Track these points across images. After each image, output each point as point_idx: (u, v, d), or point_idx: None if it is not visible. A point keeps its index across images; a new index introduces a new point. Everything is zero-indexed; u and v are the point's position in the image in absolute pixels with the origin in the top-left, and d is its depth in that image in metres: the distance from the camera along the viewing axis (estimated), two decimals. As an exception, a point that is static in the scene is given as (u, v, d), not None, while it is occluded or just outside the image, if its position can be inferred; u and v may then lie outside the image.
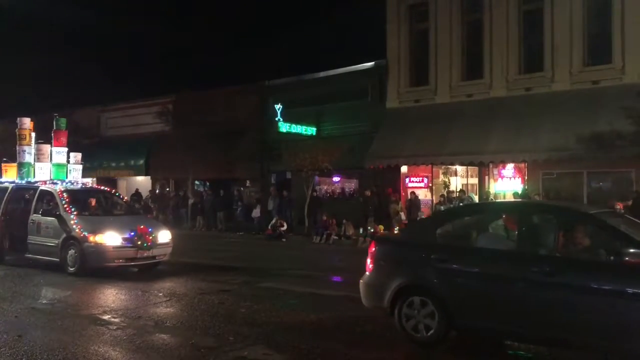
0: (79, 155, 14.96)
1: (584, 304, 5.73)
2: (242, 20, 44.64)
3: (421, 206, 19.64)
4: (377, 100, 22.11)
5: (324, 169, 20.80)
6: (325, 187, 24.29)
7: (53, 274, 11.64)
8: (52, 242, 12.03)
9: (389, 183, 21.00)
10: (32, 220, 12.57)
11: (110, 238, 11.47)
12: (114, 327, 7.48)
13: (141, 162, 28.31)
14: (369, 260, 7.22)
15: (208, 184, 27.23)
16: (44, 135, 14.80)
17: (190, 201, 25.33)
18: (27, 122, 14.49)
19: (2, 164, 14.96)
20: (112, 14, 43.85)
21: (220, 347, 6.63)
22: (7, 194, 13.42)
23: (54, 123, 14.67)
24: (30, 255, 12.52)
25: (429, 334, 6.56)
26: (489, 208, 8.69)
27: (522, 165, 18.96)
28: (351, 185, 23.78)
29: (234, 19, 44.69)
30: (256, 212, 22.64)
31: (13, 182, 13.96)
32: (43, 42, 44.11)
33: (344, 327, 7.64)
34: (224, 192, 24.93)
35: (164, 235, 12.31)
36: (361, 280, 7.29)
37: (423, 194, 20.93)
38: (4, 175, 14.73)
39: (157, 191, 28.39)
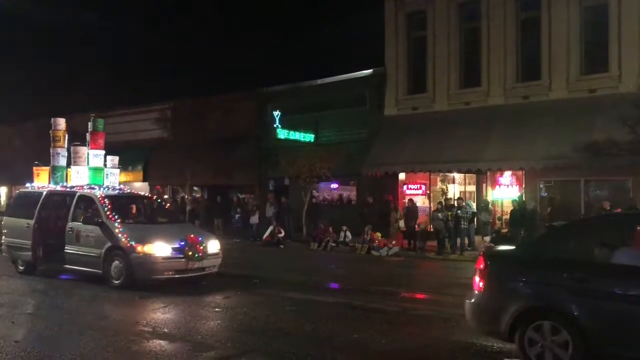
0: (116, 159, 13.95)
1: None
2: (240, 27, 44.78)
3: (419, 214, 19.67)
4: (375, 107, 22.19)
5: (322, 175, 20.83)
6: (323, 194, 24.30)
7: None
8: (93, 252, 11.11)
9: (386, 190, 21.03)
10: (70, 228, 11.64)
11: (160, 248, 10.62)
12: (112, 333, 7.47)
13: (139, 168, 28.32)
14: (477, 278, 6.44)
15: (205, 190, 27.22)
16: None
17: (188, 207, 25.31)
18: (62, 123, 13.46)
19: (34, 168, 13.85)
20: (110, 20, 43.96)
21: (218, 353, 6.64)
22: (40, 199, 12.48)
23: (91, 124, 13.56)
24: (68, 266, 11.65)
25: None
26: (622, 219, 7.49)
27: (520, 172, 19.03)
28: (349, 192, 23.80)
29: (233, 26, 44.83)
30: (254, 219, 22.63)
31: (44, 187, 13.02)
32: (41, 47, 44.20)
33: (341, 334, 7.64)
34: (221, 199, 24.91)
35: (214, 245, 11.49)
36: (468, 301, 6.57)
37: (421, 201, 20.96)
38: (35, 180, 13.64)
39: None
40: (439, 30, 20.75)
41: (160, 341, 7.17)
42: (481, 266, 6.44)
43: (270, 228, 20.87)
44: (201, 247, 10.98)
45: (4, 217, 13.71)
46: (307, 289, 11.31)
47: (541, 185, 18.75)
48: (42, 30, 45.45)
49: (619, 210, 15.22)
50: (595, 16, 18.14)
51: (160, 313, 8.92)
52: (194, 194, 26.97)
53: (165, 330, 7.78)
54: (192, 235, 11.08)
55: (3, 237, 13.12)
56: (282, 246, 20.21)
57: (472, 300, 6.50)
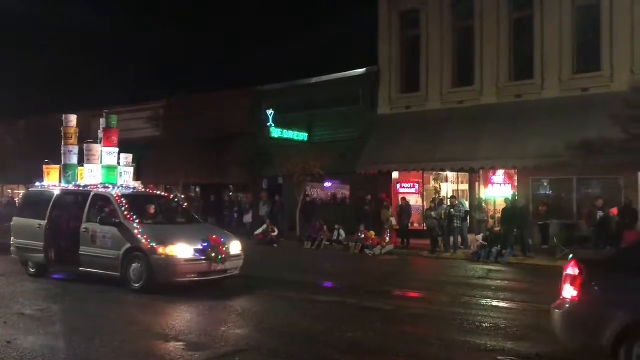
0: (130, 157, 13.40)
1: None
2: (234, 25, 44.72)
3: (412, 212, 19.71)
4: (369, 106, 22.23)
5: (316, 174, 20.85)
6: (317, 193, 24.32)
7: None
8: (111, 254, 10.61)
9: (380, 189, 21.08)
10: (85, 228, 11.10)
11: (182, 250, 10.19)
12: (107, 333, 7.44)
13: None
14: (569, 286, 5.78)
15: (199, 188, 27.18)
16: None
17: (181, 206, 25.23)
18: (74, 120, 13.03)
19: (44, 166, 13.29)
20: (103, 19, 43.81)
21: (212, 352, 6.63)
22: (52, 199, 11.98)
23: (104, 120, 13.00)
24: (83, 269, 11.09)
25: None
26: None
27: (513, 171, 19.12)
28: (343, 191, 23.83)
29: (227, 25, 44.77)
30: (248, 218, 22.62)
31: (56, 186, 12.51)
32: (34, 46, 43.96)
33: (335, 332, 7.65)
34: (215, 197, 24.86)
35: (236, 247, 11.06)
36: (558, 310, 5.87)
37: (414, 200, 21.02)
38: (45, 179, 13.06)
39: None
40: (432, 29, 20.80)
41: (154, 340, 7.16)
42: (575, 272, 5.77)
43: (264, 227, 20.86)
44: (224, 249, 10.59)
45: (13, 218, 13.17)
46: (301, 288, 11.31)
47: (545, 183, 18.83)
48: (32, 27, 45.26)
49: (615, 209, 15.40)
50: (587, 16, 18.26)
51: (155, 312, 8.90)
52: (191, 194, 26.89)
53: (159, 329, 7.76)
54: (214, 236, 10.67)
55: (12, 238, 12.63)
56: (275, 245, 20.20)
57: (565, 310, 5.82)
